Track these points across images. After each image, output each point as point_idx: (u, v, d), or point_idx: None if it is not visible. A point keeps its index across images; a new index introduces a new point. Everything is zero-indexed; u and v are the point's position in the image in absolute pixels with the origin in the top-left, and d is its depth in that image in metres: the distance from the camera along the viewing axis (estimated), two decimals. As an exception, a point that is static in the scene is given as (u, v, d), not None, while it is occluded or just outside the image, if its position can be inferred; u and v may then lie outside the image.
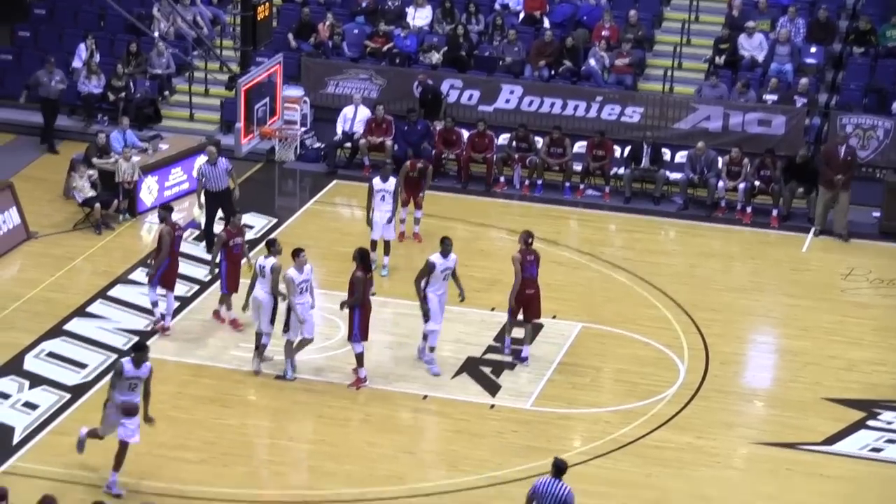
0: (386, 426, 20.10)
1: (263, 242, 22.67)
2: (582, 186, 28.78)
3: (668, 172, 28.71)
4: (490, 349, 22.05)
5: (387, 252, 24.25)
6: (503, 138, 29.40)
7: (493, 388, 21.03)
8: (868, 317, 23.92)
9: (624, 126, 29.65)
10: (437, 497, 18.37)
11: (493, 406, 20.60)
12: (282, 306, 20.84)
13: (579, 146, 29.13)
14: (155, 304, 22.34)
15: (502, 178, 28.92)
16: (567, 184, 28.70)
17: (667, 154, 29.02)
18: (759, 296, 24.68)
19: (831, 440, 20.02)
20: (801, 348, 22.73)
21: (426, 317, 21.09)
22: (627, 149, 29.10)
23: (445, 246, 21.20)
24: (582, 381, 21.39)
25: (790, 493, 18.79)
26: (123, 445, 17.84)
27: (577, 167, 28.78)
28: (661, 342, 22.52)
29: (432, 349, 21.35)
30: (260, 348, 21.17)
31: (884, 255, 26.60)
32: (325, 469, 18.91)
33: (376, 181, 24.14)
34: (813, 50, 31.19)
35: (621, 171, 28.78)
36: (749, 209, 27.87)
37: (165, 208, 22.71)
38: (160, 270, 22.04)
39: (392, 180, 24.17)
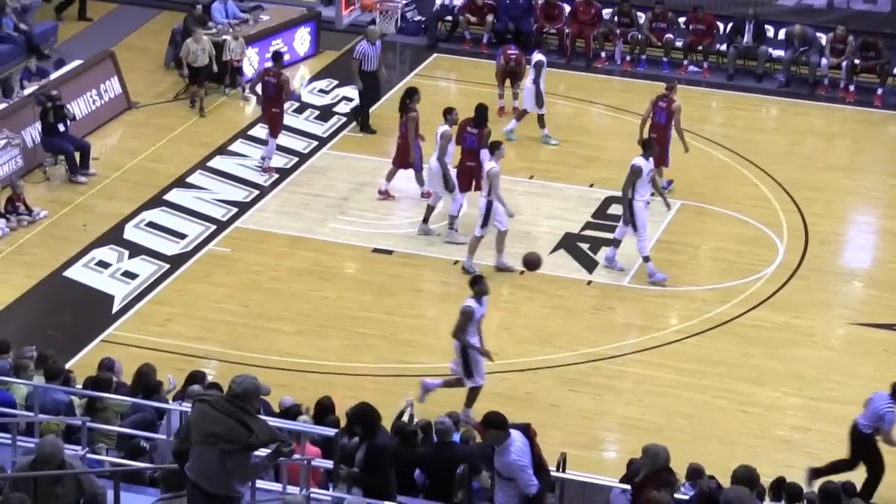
0: (483, 301, 19.79)
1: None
2: (685, 63, 27.98)
3: (770, 49, 27.82)
4: (588, 225, 21.56)
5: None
6: (605, 13, 28.63)
7: (590, 265, 20.59)
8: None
9: (727, 2, 28.71)
10: (531, 373, 18.08)
11: (589, 283, 20.19)
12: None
13: (682, 22, 28.31)
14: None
15: (604, 54, 28.19)
16: (666, 59, 27.93)
17: (770, 30, 28.09)
18: (860, 175, 23.94)
19: (936, 323, 19.47)
20: (890, 227, 22.06)
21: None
22: (730, 25, 28.22)
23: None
24: (679, 258, 20.89)
25: (887, 374, 18.12)
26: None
27: (679, 43, 27.99)
28: (761, 220, 21.92)
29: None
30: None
31: None
32: (422, 343, 18.66)
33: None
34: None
35: (723, 47, 27.95)
36: (852, 87, 26.96)
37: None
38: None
39: None
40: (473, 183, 21.01)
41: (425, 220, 21.25)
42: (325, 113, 25.12)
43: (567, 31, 28.31)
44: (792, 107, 26.75)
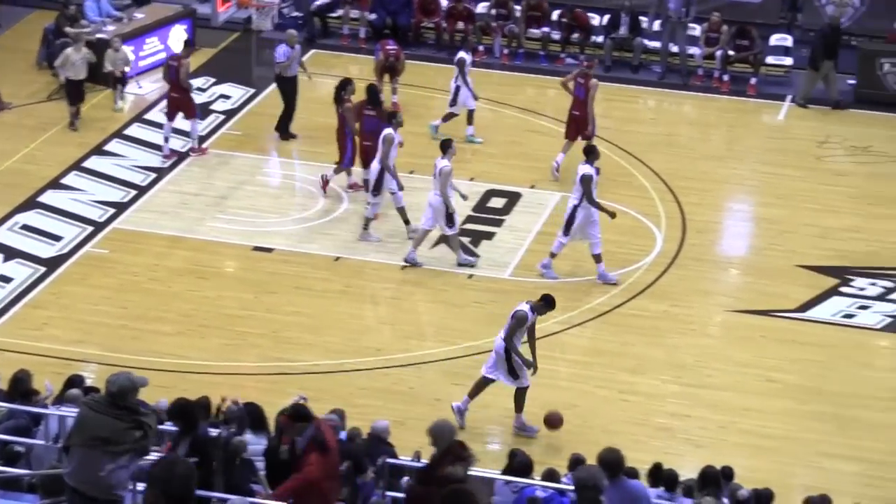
0: (365, 297, 19.77)
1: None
2: (562, 56, 28.18)
3: (645, 41, 28.11)
4: (469, 219, 21.62)
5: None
6: (482, 6, 28.74)
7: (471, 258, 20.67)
8: (844, 184, 23.54)
9: (603, -5, 28.99)
10: (415, 367, 18.10)
11: (471, 276, 20.26)
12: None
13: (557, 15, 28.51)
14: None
15: (481, 47, 28.30)
16: (543, 53, 28.11)
17: (644, 22, 28.38)
18: (735, 164, 24.27)
19: (805, 307, 19.76)
20: (777, 216, 22.38)
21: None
22: (606, 17, 28.46)
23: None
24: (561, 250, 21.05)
25: (764, 359, 18.57)
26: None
27: (556, 36, 28.18)
28: (639, 211, 22.14)
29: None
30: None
31: (859, 123, 26.12)
32: (304, 340, 18.60)
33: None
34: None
35: (600, 39, 28.19)
36: (726, 77, 27.32)
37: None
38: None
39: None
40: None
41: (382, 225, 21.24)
42: (202, 111, 24.91)
43: (444, 24, 28.41)
44: (668, 97, 27.05)
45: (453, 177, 20.18)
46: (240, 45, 28.11)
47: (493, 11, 28.44)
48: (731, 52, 27.35)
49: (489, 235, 21.09)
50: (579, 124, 23.05)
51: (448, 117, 24.24)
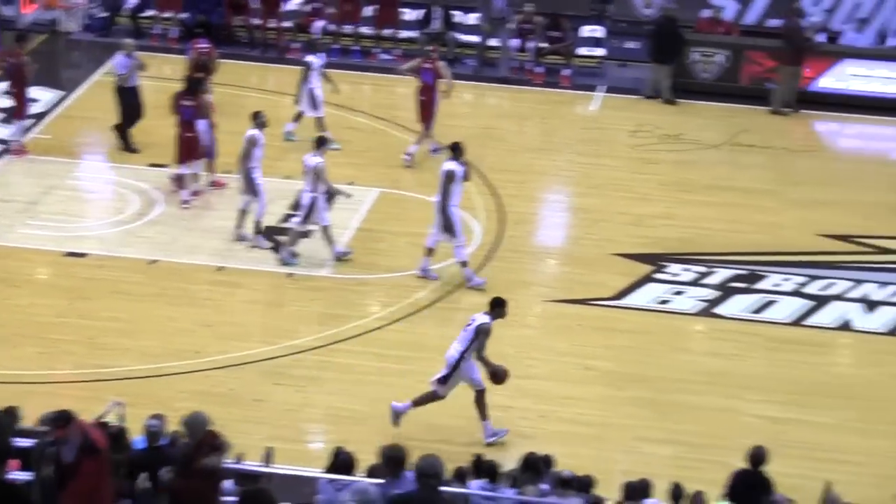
0: (182, 300, 19.57)
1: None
2: (375, 51, 28.23)
3: (458, 35, 28.29)
4: (287, 218, 21.53)
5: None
6: (295, 2, 28.62)
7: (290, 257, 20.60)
8: (655, 172, 23.99)
9: (416, -11, 29.12)
10: (234, 369, 17.94)
11: (290, 275, 20.17)
12: None
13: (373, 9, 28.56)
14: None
15: (294, 45, 28.18)
16: (357, 48, 28.12)
17: (457, 16, 28.57)
18: (552, 155, 24.57)
19: (621, 294, 20.09)
20: (592, 205, 22.72)
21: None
22: (420, 12, 28.58)
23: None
24: (379, 246, 21.06)
25: (582, 347, 18.82)
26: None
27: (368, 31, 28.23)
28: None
29: None
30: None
31: (670, 111, 26.66)
32: (120, 346, 18.30)
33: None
34: None
35: (414, 34, 28.29)
36: (540, 69, 27.64)
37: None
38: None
39: None
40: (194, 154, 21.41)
41: (239, 226, 20.93)
42: (8, 114, 24.39)
43: (256, 22, 28.24)
44: (484, 90, 27.27)
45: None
46: (47, 48, 27.60)
47: (310, 7, 28.36)
48: (543, 45, 27.69)
49: (306, 234, 21.02)
50: (426, 108, 23.44)
51: (298, 118, 24.12)
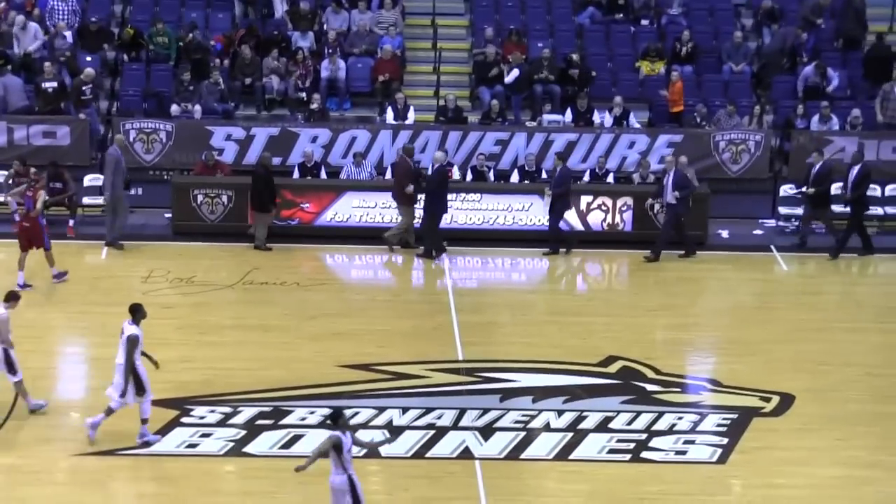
0: None
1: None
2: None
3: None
4: None
5: None
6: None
7: None
8: (172, 316, 24.13)
9: None
10: None
11: None
12: None
13: None
14: None
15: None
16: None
17: None
18: (66, 307, 24.35)
19: (149, 442, 19.95)
20: (111, 355, 22.57)
21: None
22: None
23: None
24: None
25: (114, 499, 18.62)
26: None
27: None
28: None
29: None
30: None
31: (179, 255, 26.99)
32: None
33: None
34: (88, 59, 31.19)
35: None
36: (44, 221, 27.26)
37: None
38: None
39: None
40: None
41: None
42: None
43: None
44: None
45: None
46: None
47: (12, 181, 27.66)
48: (47, 197, 27.45)
49: None
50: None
51: None
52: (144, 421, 19.78)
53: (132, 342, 19.22)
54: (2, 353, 20.24)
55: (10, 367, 20.33)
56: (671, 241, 28.46)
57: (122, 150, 27.75)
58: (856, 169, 29.16)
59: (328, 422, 17.60)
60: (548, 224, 28.68)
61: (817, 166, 29.23)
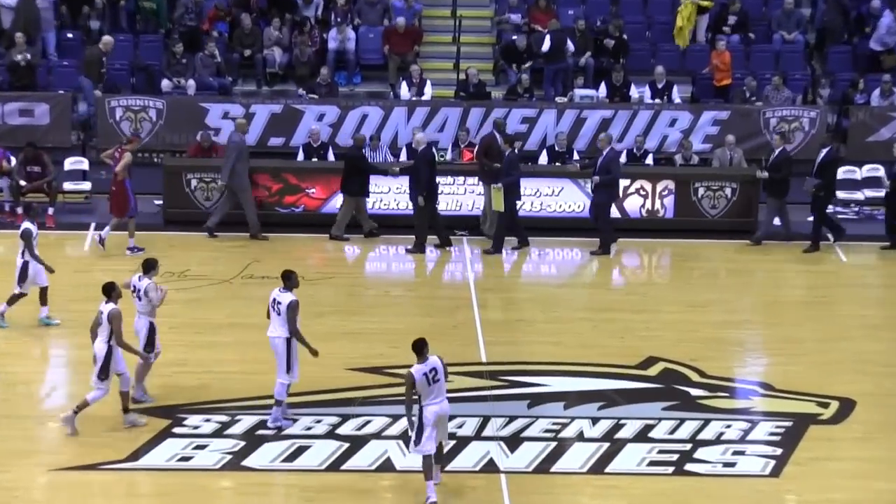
0: None
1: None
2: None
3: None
4: None
5: None
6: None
7: None
8: (163, 314, 23.45)
9: None
10: None
11: None
12: None
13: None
14: None
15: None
16: None
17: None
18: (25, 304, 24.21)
19: (136, 455, 19.72)
20: (82, 358, 22.43)
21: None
22: None
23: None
24: None
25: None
26: None
27: None
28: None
29: None
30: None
31: (171, 246, 27.13)
32: None
33: None
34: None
35: None
36: (20, 209, 27.17)
37: None
38: None
39: None
40: None
41: None
42: None
43: None
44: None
45: None
46: None
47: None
48: (22, 182, 27.33)
49: None
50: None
51: (14, 299, 23.16)
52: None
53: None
54: (147, 326, 20.62)
55: (150, 344, 20.74)
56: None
57: (243, 134, 27.70)
58: (824, 151, 28.82)
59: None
60: (590, 215, 28.20)
61: (776, 151, 28.80)
